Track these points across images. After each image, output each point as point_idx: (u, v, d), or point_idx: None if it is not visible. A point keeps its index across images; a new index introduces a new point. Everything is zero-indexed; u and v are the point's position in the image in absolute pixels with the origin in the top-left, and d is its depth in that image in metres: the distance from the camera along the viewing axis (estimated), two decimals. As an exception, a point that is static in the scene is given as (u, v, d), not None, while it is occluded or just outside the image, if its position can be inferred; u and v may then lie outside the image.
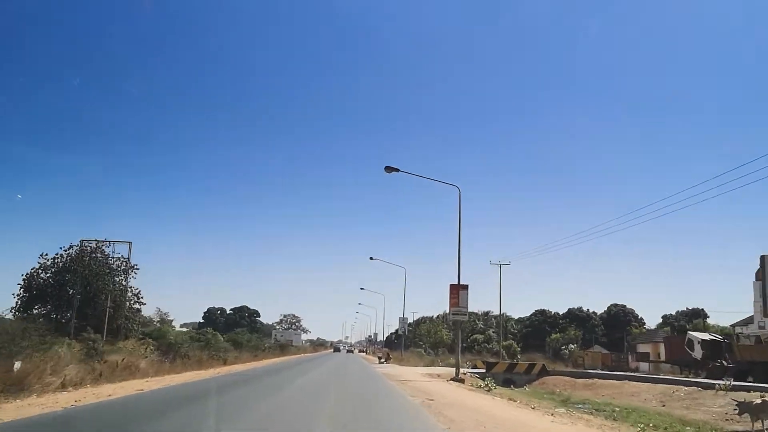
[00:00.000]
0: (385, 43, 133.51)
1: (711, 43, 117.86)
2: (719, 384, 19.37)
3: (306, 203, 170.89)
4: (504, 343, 79.12)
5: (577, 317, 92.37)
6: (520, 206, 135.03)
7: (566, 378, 29.18)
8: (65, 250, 36.65)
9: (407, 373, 30.10)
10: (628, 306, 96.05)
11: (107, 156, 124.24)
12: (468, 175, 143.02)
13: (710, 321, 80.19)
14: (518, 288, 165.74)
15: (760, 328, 29.95)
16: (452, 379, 24.28)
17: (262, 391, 16.54)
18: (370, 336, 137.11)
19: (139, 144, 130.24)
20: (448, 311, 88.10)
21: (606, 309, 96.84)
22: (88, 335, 35.95)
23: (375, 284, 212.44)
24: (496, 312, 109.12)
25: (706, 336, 34.77)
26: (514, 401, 17.18)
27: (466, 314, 24.19)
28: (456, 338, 24.64)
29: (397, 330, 69.48)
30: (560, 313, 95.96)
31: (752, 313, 31.84)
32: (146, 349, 28.55)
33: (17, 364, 13.69)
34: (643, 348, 58.31)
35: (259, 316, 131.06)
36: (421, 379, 24.85)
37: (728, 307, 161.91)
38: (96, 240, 35.76)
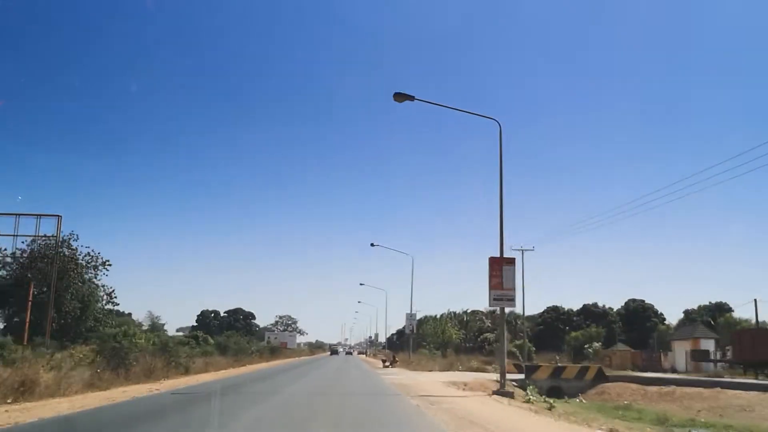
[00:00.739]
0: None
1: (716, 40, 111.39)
2: None
3: (305, 200, 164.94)
4: (517, 343, 72.73)
5: (592, 314, 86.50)
6: (521, 200, 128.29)
7: (632, 385, 22.41)
8: (27, 245, 32.76)
9: (425, 382, 22.96)
10: (647, 301, 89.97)
11: (104, 156, 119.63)
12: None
13: (735, 315, 74.79)
14: (527, 283, 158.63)
15: None
16: (496, 393, 17.31)
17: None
18: (370, 337, 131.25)
19: (130, 143, 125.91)
20: (450, 310, 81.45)
21: (623, 304, 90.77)
22: (39, 341, 29.94)
23: (377, 279, 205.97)
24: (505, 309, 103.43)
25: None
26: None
27: (513, 299, 17.14)
28: (499, 335, 17.44)
29: (403, 327, 62.57)
30: (574, 310, 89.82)
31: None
32: (82, 357, 22.13)
33: None
34: (679, 345, 51.64)
35: (255, 319, 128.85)
36: (449, 393, 17.93)
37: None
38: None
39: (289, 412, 12.32)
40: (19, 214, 29.14)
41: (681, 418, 16.20)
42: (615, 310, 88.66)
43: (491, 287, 16.94)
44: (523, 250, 46.15)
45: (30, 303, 28.25)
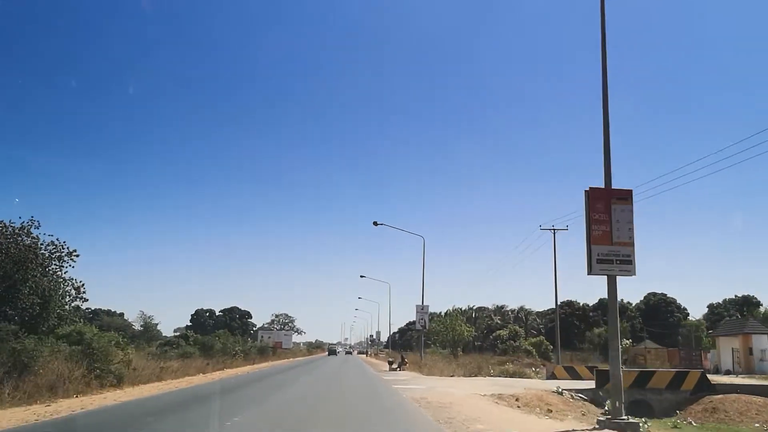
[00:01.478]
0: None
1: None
2: None
3: (303, 198, 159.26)
4: (532, 340, 66.48)
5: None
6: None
7: (756, 399, 15.80)
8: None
9: (462, 397, 15.48)
10: (668, 295, 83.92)
11: (99, 157, 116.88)
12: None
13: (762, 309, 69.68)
14: (535, 278, 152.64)
15: None
16: (604, 424, 10.45)
17: None
18: (371, 335, 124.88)
19: (126, 144, 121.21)
20: (455, 306, 73.89)
21: (643, 298, 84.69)
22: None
23: (377, 278, 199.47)
24: (512, 306, 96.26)
25: None
26: None
27: (630, 260, 9.81)
28: (610, 327, 10.35)
29: (405, 326, 56.00)
30: (589, 305, 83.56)
31: None
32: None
33: None
34: (725, 342, 45.44)
35: (251, 318, 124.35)
36: (521, 423, 11.24)
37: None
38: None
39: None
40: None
41: None
42: (634, 304, 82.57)
43: (592, 240, 9.88)
44: (554, 230, 39.42)
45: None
